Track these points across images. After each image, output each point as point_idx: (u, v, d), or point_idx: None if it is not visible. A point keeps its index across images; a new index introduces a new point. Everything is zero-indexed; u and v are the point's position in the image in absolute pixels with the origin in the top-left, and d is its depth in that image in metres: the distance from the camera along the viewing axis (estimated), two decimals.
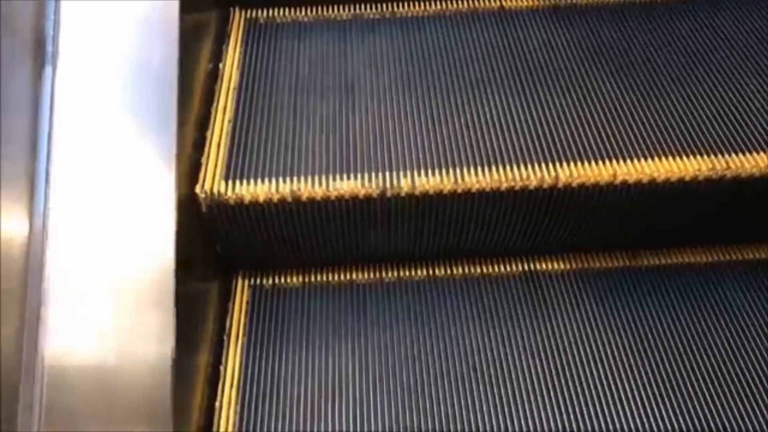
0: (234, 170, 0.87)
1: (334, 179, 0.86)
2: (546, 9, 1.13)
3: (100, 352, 0.65)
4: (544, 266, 0.99)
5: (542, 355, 0.89)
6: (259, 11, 1.12)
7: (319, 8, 1.13)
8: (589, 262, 1.00)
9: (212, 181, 0.85)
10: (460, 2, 1.14)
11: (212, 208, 0.85)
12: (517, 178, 0.86)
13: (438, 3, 1.14)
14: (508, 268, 0.99)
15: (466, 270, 0.99)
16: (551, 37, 1.08)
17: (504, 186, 0.86)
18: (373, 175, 0.87)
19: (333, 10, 1.13)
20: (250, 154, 0.90)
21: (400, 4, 1.14)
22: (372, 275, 0.99)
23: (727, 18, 1.11)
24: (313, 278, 0.99)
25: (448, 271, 1.00)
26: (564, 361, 0.88)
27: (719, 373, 0.87)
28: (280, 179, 0.86)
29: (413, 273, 1.00)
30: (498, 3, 1.13)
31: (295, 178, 0.86)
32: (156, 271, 0.69)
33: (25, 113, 0.68)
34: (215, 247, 0.94)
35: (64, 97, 0.72)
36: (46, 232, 0.67)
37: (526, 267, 1.00)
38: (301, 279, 0.99)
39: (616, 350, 0.90)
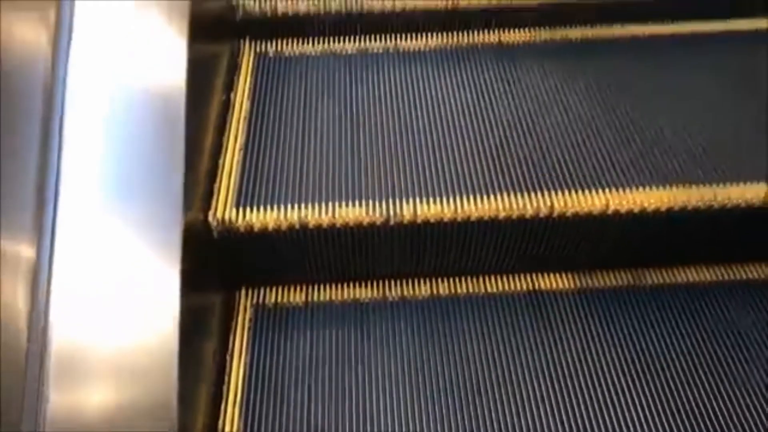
0: (245, 198, 0.91)
1: (340, 206, 0.91)
2: (542, 43, 1.19)
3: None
4: (547, 285, 1.00)
5: (546, 373, 0.90)
6: (269, 44, 1.17)
7: (326, 42, 1.18)
8: (593, 280, 1.01)
9: (224, 209, 0.89)
10: (459, 37, 1.19)
11: (223, 234, 0.90)
12: (514, 206, 0.90)
13: (439, 38, 1.19)
14: (512, 287, 1.00)
15: (470, 288, 1.00)
16: (547, 70, 1.13)
17: (501, 215, 0.90)
18: (377, 203, 0.91)
19: (339, 44, 1.18)
20: (259, 182, 0.94)
21: (403, 39, 1.19)
22: (375, 293, 1.00)
23: (712, 54, 1.16)
24: (316, 296, 1.00)
25: (452, 290, 1.00)
26: (568, 380, 0.89)
27: (723, 393, 0.88)
28: (288, 207, 0.90)
29: (417, 291, 1.01)
30: (497, 38, 1.19)
31: (302, 206, 0.91)
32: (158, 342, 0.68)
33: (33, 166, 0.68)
34: (223, 269, 0.97)
35: (72, 141, 0.72)
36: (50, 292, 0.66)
37: (529, 285, 1.00)
38: (304, 297, 1.00)
39: (620, 369, 0.90)
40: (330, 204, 0.91)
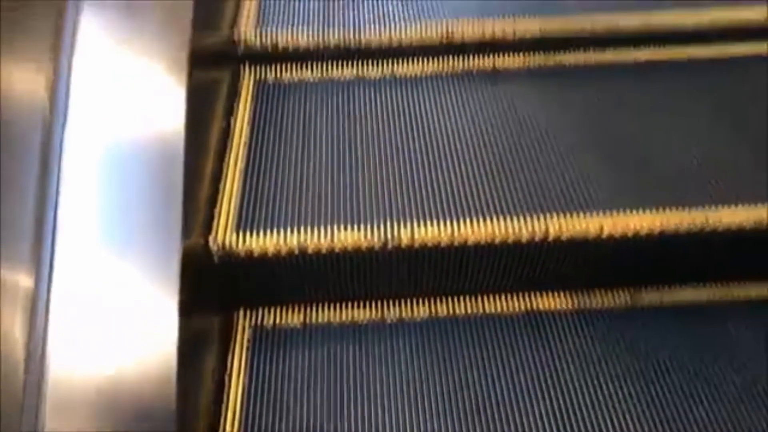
0: (245, 222, 0.93)
1: (339, 230, 0.92)
2: (536, 68, 1.21)
3: None
4: (545, 305, 1.00)
5: (545, 394, 0.90)
6: (268, 71, 1.20)
7: (324, 69, 1.20)
8: (591, 300, 1.02)
9: (224, 234, 0.91)
10: (455, 63, 1.22)
11: (224, 259, 0.91)
12: (510, 231, 0.92)
13: (435, 64, 1.22)
14: (510, 307, 1.01)
15: (468, 309, 1.01)
16: (541, 94, 1.15)
17: (498, 239, 0.92)
18: (375, 227, 0.92)
19: (337, 71, 1.21)
20: (259, 207, 0.96)
21: (400, 65, 1.21)
22: (373, 314, 1.01)
23: (712, 76, 1.18)
24: (314, 318, 1.00)
25: (451, 310, 1.01)
26: (566, 401, 0.89)
27: (723, 410, 0.88)
28: (288, 231, 0.92)
29: (415, 312, 1.01)
30: (491, 63, 1.21)
31: (301, 230, 0.92)
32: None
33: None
34: (222, 291, 0.98)
35: (70, 171, 0.72)
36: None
37: (527, 305, 1.01)
38: (302, 318, 1.00)
39: (619, 390, 0.91)
40: (329, 228, 0.92)
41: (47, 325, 0.67)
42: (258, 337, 0.98)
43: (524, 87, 1.17)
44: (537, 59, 1.22)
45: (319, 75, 1.20)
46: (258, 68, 1.20)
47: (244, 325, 0.99)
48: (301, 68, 1.20)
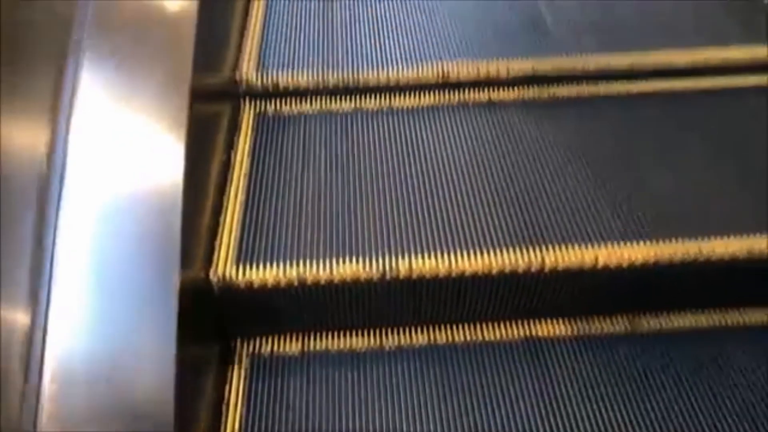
0: (245, 255, 0.94)
1: (337, 263, 0.93)
2: (531, 101, 1.23)
3: None
4: (544, 331, 1.01)
5: (544, 421, 0.91)
6: (268, 104, 1.22)
7: (323, 102, 1.23)
8: (590, 326, 1.03)
9: (224, 266, 0.92)
10: (451, 95, 1.24)
11: (224, 290, 0.92)
12: (507, 262, 0.93)
13: (431, 97, 1.24)
14: (509, 334, 1.01)
15: (467, 336, 1.01)
16: (536, 127, 1.17)
17: (495, 270, 0.93)
18: (373, 258, 0.93)
19: (336, 104, 1.23)
20: (259, 239, 0.97)
21: (397, 98, 1.24)
22: (372, 342, 1.01)
23: (702, 108, 1.21)
24: (312, 346, 1.01)
25: (449, 338, 1.02)
26: (566, 427, 0.90)
27: None
28: (287, 263, 0.93)
29: (414, 339, 1.01)
30: (487, 96, 1.24)
31: (301, 262, 0.93)
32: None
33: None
34: (220, 321, 0.99)
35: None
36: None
37: (526, 332, 1.01)
38: (300, 346, 1.01)
39: (619, 415, 0.91)
40: (327, 260, 0.93)
41: (44, 358, 0.67)
42: (256, 365, 0.98)
43: (519, 118, 1.19)
44: (531, 92, 1.24)
45: (318, 108, 1.22)
46: (258, 102, 1.22)
47: (242, 353, 1.00)
48: (301, 102, 1.22)
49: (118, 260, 0.73)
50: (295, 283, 0.92)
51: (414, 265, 0.93)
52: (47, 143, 0.70)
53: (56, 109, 0.72)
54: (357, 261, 0.93)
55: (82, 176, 0.73)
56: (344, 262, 0.93)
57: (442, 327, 1.03)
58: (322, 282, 0.92)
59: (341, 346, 1.00)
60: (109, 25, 0.80)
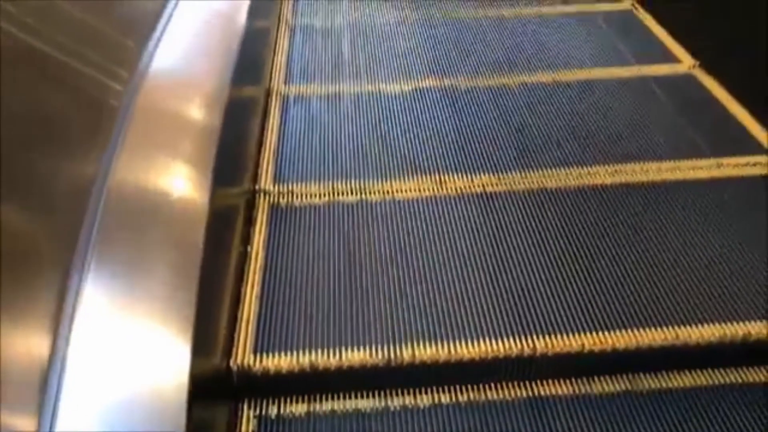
0: (261, 345, 1.03)
1: (346, 350, 1.02)
2: (521, 192, 1.34)
3: None
4: (546, 391, 1.04)
5: None
6: (281, 197, 1.33)
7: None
8: (590, 386, 1.05)
9: (243, 356, 1.01)
10: (448, 187, 1.35)
11: (242, 378, 1.00)
12: (501, 348, 1.02)
13: (430, 188, 1.36)
14: (512, 394, 1.04)
15: (471, 396, 1.04)
16: (527, 219, 1.27)
17: (490, 356, 1.02)
18: (379, 347, 1.02)
19: (342, 196, 1.34)
20: (274, 328, 1.06)
21: (401, 191, 1.35)
22: (377, 403, 1.04)
23: (679, 201, 1.32)
24: (318, 407, 1.03)
25: (453, 398, 1.04)
26: None
27: None
28: (300, 352, 1.02)
29: (418, 400, 1.04)
30: (481, 187, 1.35)
31: (313, 350, 1.02)
32: None
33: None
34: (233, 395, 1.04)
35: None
36: None
37: (529, 392, 1.04)
38: (306, 408, 1.03)
39: None
40: (337, 349, 1.02)
41: None
42: (262, 427, 1.01)
43: (511, 210, 1.29)
44: (521, 183, 1.36)
45: (327, 199, 1.33)
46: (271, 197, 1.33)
47: (249, 415, 1.02)
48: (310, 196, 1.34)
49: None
50: (308, 370, 1.01)
51: (416, 353, 1.02)
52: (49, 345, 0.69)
53: (60, 314, 0.72)
54: (364, 349, 1.02)
55: (82, 370, 0.72)
56: (353, 350, 1.02)
57: (446, 389, 1.05)
58: (332, 368, 1.01)
59: (347, 407, 1.04)
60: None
